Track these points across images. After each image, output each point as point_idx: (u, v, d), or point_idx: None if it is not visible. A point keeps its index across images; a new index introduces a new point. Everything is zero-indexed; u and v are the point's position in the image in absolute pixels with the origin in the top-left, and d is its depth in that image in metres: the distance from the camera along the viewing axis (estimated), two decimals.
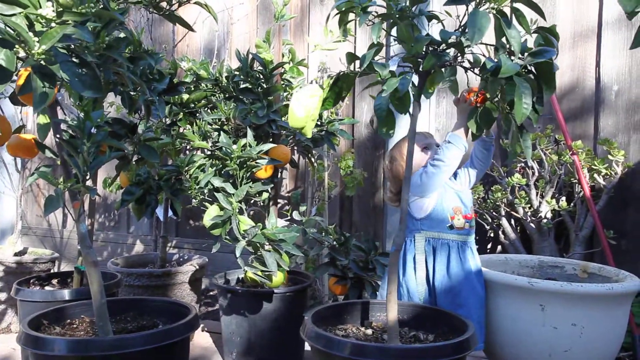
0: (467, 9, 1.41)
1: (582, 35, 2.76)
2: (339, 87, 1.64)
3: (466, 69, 1.54)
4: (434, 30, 1.62)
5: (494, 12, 1.36)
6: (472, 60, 1.51)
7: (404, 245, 2.03)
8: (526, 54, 1.41)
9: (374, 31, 1.44)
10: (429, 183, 1.96)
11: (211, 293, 3.60)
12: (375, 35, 1.44)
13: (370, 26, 1.47)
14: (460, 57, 1.48)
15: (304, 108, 1.67)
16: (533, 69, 1.43)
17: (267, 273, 2.14)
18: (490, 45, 1.50)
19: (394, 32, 1.50)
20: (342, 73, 1.60)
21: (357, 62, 1.57)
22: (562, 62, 2.80)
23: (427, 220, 2.00)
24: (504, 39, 1.39)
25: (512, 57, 1.40)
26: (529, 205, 2.67)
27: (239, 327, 2.29)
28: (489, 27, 1.30)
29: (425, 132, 2.19)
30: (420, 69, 1.51)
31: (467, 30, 1.30)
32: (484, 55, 1.47)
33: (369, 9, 1.45)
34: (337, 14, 1.52)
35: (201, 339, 2.74)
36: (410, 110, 1.55)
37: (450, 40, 1.43)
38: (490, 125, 1.60)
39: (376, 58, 1.52)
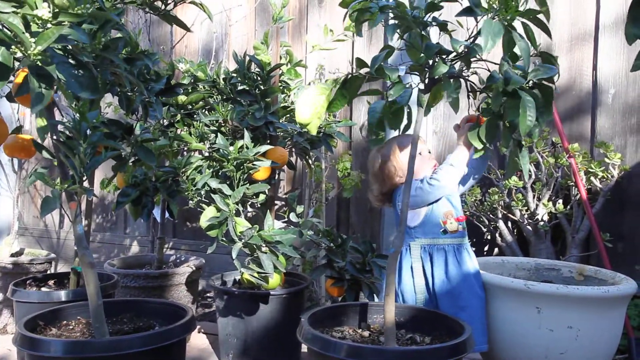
0: (477, 22, 1.43)
1: (579, 38, 2.77)
2: (347, 90, 1.64)
3: (470, 91, 1.56)
4: (441, 42, 1.64)
5: (506, 23, 1.37)
6: (476, 76, 1.53)
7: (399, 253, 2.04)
8: (530, 71, 1.44)
9: (389, 32, 1.45)
10: (423, 198, 1.98)
11: (208, 294, 3.60)
12: (390, 36, 1.45)
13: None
14: (465, 70, 1.50)
15: (311, 104, 1.68)
16: (536, 89, 1.46)
17: (263, 275, 2.14)
18: (494, 63, 1.51)
19: (400, 38, 1.51)
20: (350, 75, 1.60)
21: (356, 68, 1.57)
22: (559, 65, 2.81)
23: (421, 228, 2.01)
24: (509, 54, 1.42)
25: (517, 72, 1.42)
26: (526, 207, 2.67)
27: (236, 328, 2.29)
28: (500, 38, 1.32)
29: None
30: (427, 78, 1.52)
31: (480, 38, 1.32)
32: (488, 70, 1.49)
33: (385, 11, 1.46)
34: (353, 12, 1.52)
35: (198, 341, 2.74)
36: (403, 123, 1.56)
37: (460, 49, 1.45)
38: (493, 139, 1.61)
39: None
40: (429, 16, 1.46)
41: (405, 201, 1.60)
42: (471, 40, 1.48)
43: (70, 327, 1.84)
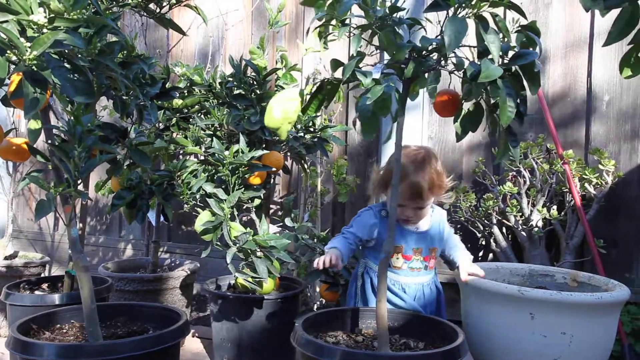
0: (447, 15, 1.42)
1: (574, 45, 2.79)
2: (323, 95, 1.62)
3: (450, 72, 1.54)
4: (420, 35, 1.60)
5: (473, 17, 1.36)
6: (455, 62, 1.50)
7: (365, 275, 2.06)
8: (510, 54, 1.42)
9: (354, 43, 1.43)
10: None
11: (202, 298, 3.59)
12: (355, 47, 1.43)
13: (352, 37, 1.46)
14: (443, 61, 1.48)
15: (281, 110, 1.66)
16: (517, 70, 1.43)
17: (257, 279, 2.14)
18: (474, 47, 1.50)
19: (376, 40, 1.50)
20: (326, 80, 1.59)
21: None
22: (554, 71, 2.82)
23: (372, 251, 2.04)
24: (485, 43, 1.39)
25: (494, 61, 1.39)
26: (520, 213, 2.68)
27: (230, 333, 2.29)
28: (466, 33, 1.30)
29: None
30: (403, 76, 1.50)
31: (444, 38, 1.29)
32: (467, 59, 1.47)
33: (348, 21, 1.45)
34: (317, 27, 1.52)
35: (192, 345, 2.73)
36: (393, 113, 1.54)
37: (430, 47, 1.43)
38: (477, 126, 1.57)
39: (365, 64, 1.52)
40: (395, 16, 1.43)
41: (393, 205, 1.59)
42: (442, 35, 1.45)
43: (64, 330, 1.84)
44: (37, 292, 2.38)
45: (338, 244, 1.92)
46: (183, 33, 1.90)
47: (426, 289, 2.02)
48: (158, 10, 1.87)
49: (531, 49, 1.43)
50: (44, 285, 2.45)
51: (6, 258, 3.20)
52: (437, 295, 2.06)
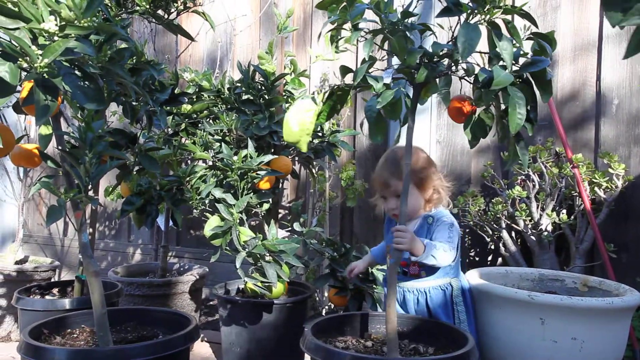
0: (459, 20, 1.42)
1: (582, 49, 2.78)
2: (334, 101, 1.63)
3: (461, 78, 1.54)
4: (430, 39, 1.61)
5: (486, 23, 1.36)
6: (466, 68, 1.51)
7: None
8: (521, 61, 1.42)
9: (366, 48, 1.44)
10: None
11: (211, 303, 3.60)
12: (366, 52, 1.44)
13: (363, 42, 1.46)
14: (454, 67, 1.49)
15: (298, 123, 1.66)
16: (528, 76, 1.43)
17: (267, 284, 2.14)
18: (484, 53, 1.50)
19: (386, 44, 1.50)
20: (336, 87, 1.60)
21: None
22: (563, 75, 2.82)
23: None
24: (497, 49, 1.39)
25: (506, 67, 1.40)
26: (530, 217, 2.67)
27: (239, 337, 2.29)
28: (479, 40, 1.30)
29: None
30: (414, 81, 1.50)
31: (457, 45, 1.30)
32: (478, 65, 1.47)
33: (361, 25, 1.45)
34: (330, 30, 1.53)
35: (201, 349, 2.74)
36: (402, 117, 1.54)
37: (442, 53, 1.44)
38: (486, 134, 1.58)
39: (376, 68, 1.52)
40: (407, 21, 1.43)
41: (403, 210, 1.59)
42: (454, 41, 1.44)
43: (75, 335, 1.85)
44: (47, 297, 2.40)
45: (375, 247, 2.19)
46: (191, 39, 1.91)
47: (408, 295, 1.95)
48: (166, 16, 1.88)
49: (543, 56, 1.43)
50: (55, 290, 2.47)
51: (17, 262, 3.22)
52: (435, 309, 1.94)
